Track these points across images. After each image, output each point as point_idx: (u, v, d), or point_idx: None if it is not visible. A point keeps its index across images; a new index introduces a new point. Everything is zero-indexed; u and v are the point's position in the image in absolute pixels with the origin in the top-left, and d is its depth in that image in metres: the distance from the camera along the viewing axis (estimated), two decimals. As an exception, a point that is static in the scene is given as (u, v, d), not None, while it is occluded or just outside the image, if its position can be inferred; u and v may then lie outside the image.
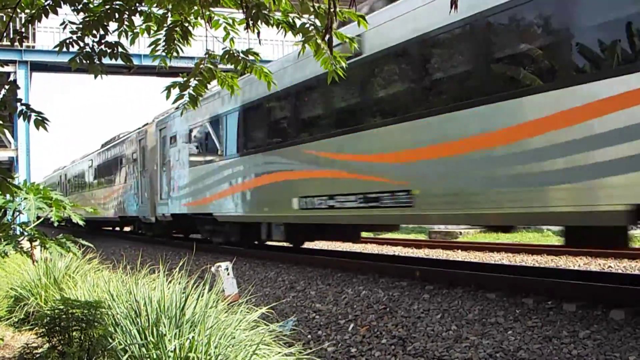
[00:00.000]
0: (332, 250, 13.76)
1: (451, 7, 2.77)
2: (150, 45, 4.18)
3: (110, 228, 33.08)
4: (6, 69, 21.90)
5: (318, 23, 3.65)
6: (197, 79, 4.17)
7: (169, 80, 4.44)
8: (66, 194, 33.51)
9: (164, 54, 4.16)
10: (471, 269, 9.53)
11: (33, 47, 22.73)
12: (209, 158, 15.06)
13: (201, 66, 4.15)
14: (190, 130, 16.30)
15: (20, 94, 4.50)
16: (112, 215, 26.34)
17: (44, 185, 6.69)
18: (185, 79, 4.17)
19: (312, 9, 3.53)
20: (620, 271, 9.97)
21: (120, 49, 4.28)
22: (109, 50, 4.27)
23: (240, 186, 13.23)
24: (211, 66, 4.18)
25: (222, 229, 14.89)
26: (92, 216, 22.39)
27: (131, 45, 4.37)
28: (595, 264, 11.01)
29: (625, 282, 7.66)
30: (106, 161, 27.20)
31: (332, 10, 3.15)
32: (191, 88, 4.21)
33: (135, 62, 19.31)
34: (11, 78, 22.42)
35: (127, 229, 29.77)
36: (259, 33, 3.72)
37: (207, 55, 4.20)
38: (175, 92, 4.25)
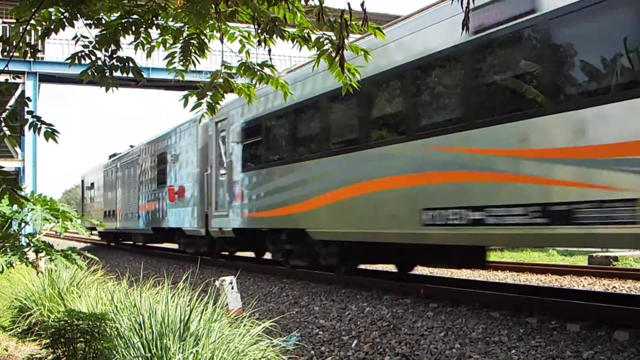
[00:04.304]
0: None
1: (463, 28, 2.81)
2: (166, 58, 4.23)
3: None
4: (15, 80, 22.04)
5: (333, 36, 3.70)
6: (213, 87, 4.25)
7: (177, 93, 4.53)
8: None
9: (179, 66, 4.21)
10: (475, 287, 9.52)
11: (42, 58, 22.84)
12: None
13: (218, 79, 4.21)
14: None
15: (29, 105, 4.52)
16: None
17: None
18: (202, 88, 4.25)
19: (328, 24, 3.58)
20: (624, 292, 9.94)
21: (131, 64, 4.33)
22: (120, 65, 4.31)
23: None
24: (228, 77, 4.24)
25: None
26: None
27: (147, 58, 4.43)
28: (599, 285, 10.98)
29: (629, 303, 7.63)
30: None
31: (344, 24, 3.19)
32: (208, 97, 4.28)
33: (144, 75, 19.67)
34: (20, 89, 22.58)
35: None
36: (270, 50, 3.78)
37: (223, 67, 4.26)
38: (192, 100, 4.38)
